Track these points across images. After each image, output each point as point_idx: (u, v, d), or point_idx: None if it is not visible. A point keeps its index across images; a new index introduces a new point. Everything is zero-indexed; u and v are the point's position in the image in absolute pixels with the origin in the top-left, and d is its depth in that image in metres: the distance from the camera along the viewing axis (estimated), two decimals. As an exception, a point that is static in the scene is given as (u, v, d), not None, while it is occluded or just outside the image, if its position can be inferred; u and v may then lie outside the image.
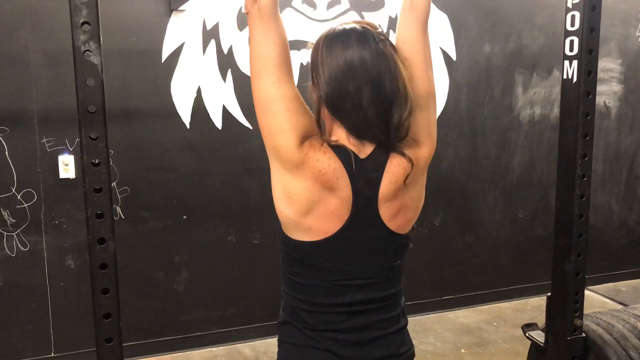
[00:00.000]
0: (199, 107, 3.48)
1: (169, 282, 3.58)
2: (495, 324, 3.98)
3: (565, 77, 1.80)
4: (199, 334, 3.66)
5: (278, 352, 1.40)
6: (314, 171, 1.23)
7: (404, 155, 1.27)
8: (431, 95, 1.33)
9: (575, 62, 1.74)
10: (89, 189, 1.31)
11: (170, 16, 3.34)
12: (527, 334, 2.18)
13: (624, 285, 4.63)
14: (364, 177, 1.26)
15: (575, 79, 1.74)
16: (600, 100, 4.43)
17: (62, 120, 3.24)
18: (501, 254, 4.31)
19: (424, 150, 1.31)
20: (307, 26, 3.58)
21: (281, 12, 3.81)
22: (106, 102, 3.51)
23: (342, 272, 1.30)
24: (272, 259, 3.77)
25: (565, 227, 1.84)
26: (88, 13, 1.27)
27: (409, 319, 1.45)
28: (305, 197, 1.24)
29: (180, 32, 3.37)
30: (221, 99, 3.50)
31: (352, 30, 1.27)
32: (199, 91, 3.46)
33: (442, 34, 3.89)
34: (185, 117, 3.46)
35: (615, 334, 1.91)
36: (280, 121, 1.23)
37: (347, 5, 3.65)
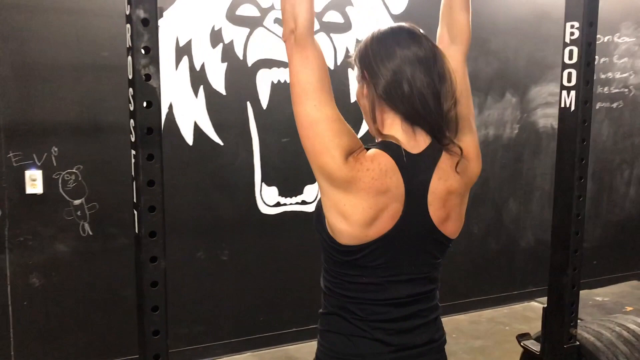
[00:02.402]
0: (170, 123, 3.47)
1: (136, 300, 3.52)
2: (454, 335, 4.13)
3: (562, 106, 1.96)
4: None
5: (320, 342, 1.45)
6: (367, 180, 1.28)
7: (454, 153, 1.36)
8: (473, 121, 1.46)
9: (573, 93, 1.90)
10: (144, 208, 1.32)
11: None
12: (522, 344, 2.31)
13: (569, 296, 4.90)
14: (415, 170, 1.32)
15: (573, 108, 1.90)
16: (547, 122, 4.72)
17: (30, 134, 3.16)
18: (457, 267, 4.48)
19: (474, 165, 1.42)
20: (278, 45, 3.65)
21: (252, 32, 3.87)
22: (76, 116, 3.45)
23: (390, 268, 1.36)
24: (241, 275, 3.78)
25: (563, 243, 1.99)
26: (149, 38, 1.30)
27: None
28: (364, 212, 1.29)
29: (153, 47, 3.36)
30: (192, 115, 3.51)
31: (402, 27, 1.38)
32: (170, 107, 3.46)
33: (404, 56, 4.05)
34: (157, 132, 3.44)
35: (605, 341, 2.06)
36: (325, 141, 1.28)
37: (317, 27, 3.74)
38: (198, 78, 3.50)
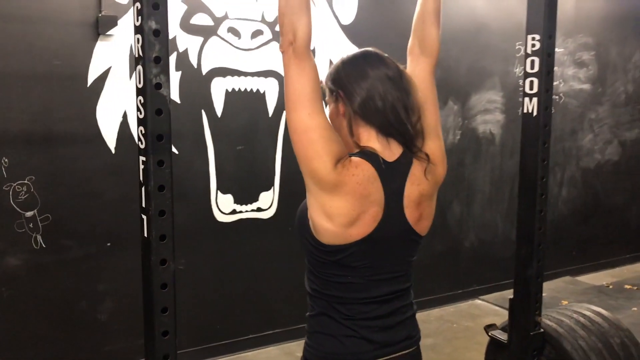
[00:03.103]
0: (124, 132, 3.44)
1: (92, 312, 3.46)
2: (406, 335, 4.26)
3: (525, 111, 2.11)
4: (123, 364, 3.57)
5: (308, 343, 1.52)
6: (352, 185, 1.38)
7: (423, 159, 1.48)
8: (440, 127, 1.57)
9: (535, 99, 2.06)
10: (154, 213, 1.34)
11: (97, 40, 3.30)
12: (489, 334, 2.45)
13: (510, 293, 5.14)
14: (392, 177, 1.44)
15: (535, 113, 2.05)
16: (486, 128, 4.96)
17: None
18: (406, 269, 4.63)
19: (440, 168, 1.54)
20: (231, 54, 3.69)
21: (206, 40, 3.90)
22: (27, 126, 3.38)
23: (372, 267, 1.47)
24: (198, 283, 3.78)
25: (527, 238, 2.15)
26: (160, 49, 1.32)
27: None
28: (347, 213, 1.38)
29: (107, 56, 3.33)
30: (147, 124, 3.49)
31: (369, 51, 1.51)
32: (124, 116, 3.43)
33: (354, 65, 4.17)
34: (111, 142, 3.41)
35: (566, 327, 2.24)
36: (316, 148, 1.36)
37: (270, 36, 3.81)
38: (152, 87, 3.48)
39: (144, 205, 1.38)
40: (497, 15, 4.76)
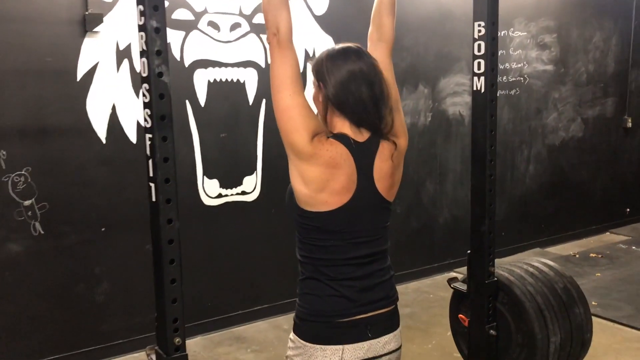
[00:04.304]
0: (114, 123, 3.65)
1: (89, 294, 3.68)
2: (385, 306, 4.54)
3: (475, 89, 2.38)
4: (121, 341, 3.80)
5: (299, 303, 1.76)
6: (326, 158, 1.62)
7: (390, 140, 1.72)
8: (399, 102, 1.82)
9: (482, 78, 2.32)
10: (161, 180, 1.58)
11: (84, 37, 3.50)
12: (451, 285, 2.73)
13: (482, 265, 5.47)
14: (362, 155, 1.67)
15: (483, 90, 2.32)
16: (455, 110, 5.24)
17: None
18: (384, 246, 4.90)
19: (402, 141, 1.78)
20: (212, 46, 3.91)
21: (188, 34, 4.11)
22: (23, 119, 3.57)
23: (351, 232, 1.70)
24: (188, 263, 3.96)
25: (480, 199, 2.42)
26: (160, 43, 1.56)
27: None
28: (319, 179, 1.63)
29: (94, 52, 3.53)
30: (135, 115, 3.71)
31: (349, 48, 1.72)
32: (113, 108, 3.64)
33: (328, 54, 4.41)
34: (101, 133, 3.62)
35: (516, 276, 2.53)
36: (296, 123, 1.61)
37: (248, 28, 4.03)
38: (139, 79, 3.66)
39: (151, 174, 1.62)
40: (460, 2, 5.03)
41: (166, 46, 1.61)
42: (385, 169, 1.72)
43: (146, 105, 1.62)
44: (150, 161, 1.64)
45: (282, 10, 1.62)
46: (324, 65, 1.70)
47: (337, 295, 1.70)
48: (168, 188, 1.61)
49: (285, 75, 1.62)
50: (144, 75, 1.62)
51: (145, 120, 1.66)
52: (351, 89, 1.65)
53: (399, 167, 1.78)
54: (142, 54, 1.60)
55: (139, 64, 3.67)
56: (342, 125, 1.69)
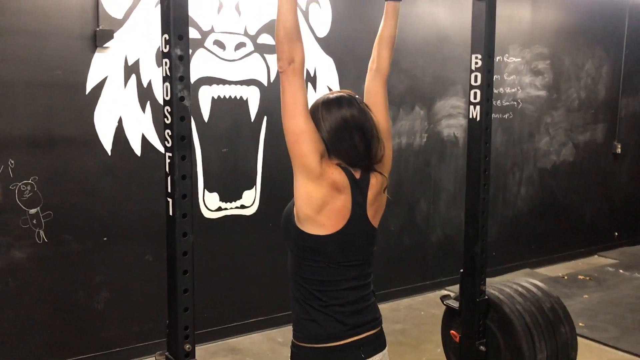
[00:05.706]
0: (119, 136, 3.75)
1: (89, 301, 3.76)
2: (377, 322, 4.63)
3: (471, 117, 2.51)
4: (119, 349, 3.87)
5: (295, 329, 1.86)
6: (330, 181, 1.75)
7: (380, 173, 1.86)
8: (389, 131, 1.96)
9: (478, 107, 2.45)
10: (178, 196, 1.68)
11: (94, 52, 3.61)
12: (444, 302, 2.84)
13: (473, 284, 5.57)
14: (358, 190, 1.81)
15: (478, 119, 2.45)
16: (450, 131, 5.38)
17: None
18: (377, 262, 4.97)
19: (387, 166, 1.92)
20: (217, 65, 4.04)
21: (194, 52, 4.24)
22: (31, 130, 3.68)
23: (343, 255, 1.83)
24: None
25: (473, 220, 2.54)
26: (183, 70, 1.67)
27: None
28: (322, 200, 1.75)
29: (103, 66, 3.65)
30: (140, 128, 3.82)
31: (342, 96, 1.85)
32: (120, 121, 3.75)
33: (328, 74, 4.54)
34: (107, 144, 3.72)
35: (506, 295, 2.64)
36: (310, 146, 1.72)
37: (252, 48, 4.16)
38: (145, 94, 3.81)
39: (169, 190, 1.72)
40: (458, 28, 5.19)
41: (188, 73, 1.72)
42: (375, 200, 1.85)
43: (167, 127, 1.73)
44: (169, 178, 1.74)
45: (298, 42, 1.74)
46: (319, 112, 1.82)
47: (331, 320, 1.81)
48: (185, 204, 1.72)
49: (301, 101, 1.73)
50: (167, 98, 1.73)
51: (166, 140, 1.77)
52: (344, 135, 1.78)
53: (384, 196, 1.92)
54: (165, 79, 1.71)
55: (145, 79, 3.83)
56: (339, 163, 1.82)
